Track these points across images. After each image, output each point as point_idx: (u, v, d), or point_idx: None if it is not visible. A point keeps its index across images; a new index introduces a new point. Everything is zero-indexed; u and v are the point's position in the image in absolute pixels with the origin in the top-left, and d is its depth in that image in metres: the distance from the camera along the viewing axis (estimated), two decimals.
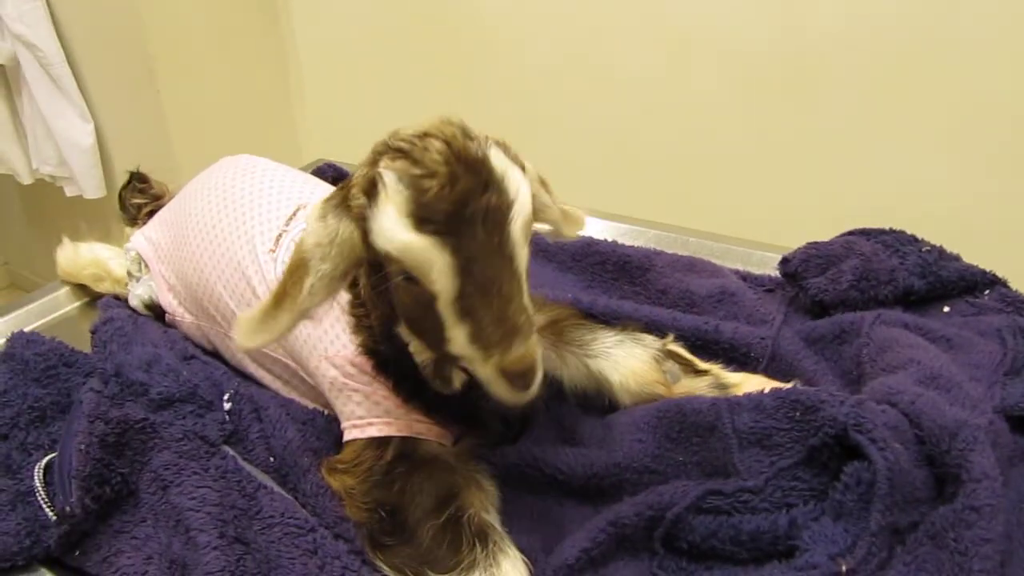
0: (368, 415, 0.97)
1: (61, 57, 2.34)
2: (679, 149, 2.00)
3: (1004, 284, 1.19)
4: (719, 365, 1.08)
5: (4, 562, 0.88)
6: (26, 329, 1.25)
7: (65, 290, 1.38)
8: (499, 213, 0.76)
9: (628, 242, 1.37)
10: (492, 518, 0.89)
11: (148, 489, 0.94)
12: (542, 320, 1.05)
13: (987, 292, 1.19)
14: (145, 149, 2.44)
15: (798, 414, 0.91)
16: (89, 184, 2.44)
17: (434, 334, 0.81)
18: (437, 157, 0.76)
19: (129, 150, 2.46)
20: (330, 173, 1.54)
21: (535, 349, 0.77)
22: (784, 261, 1.24)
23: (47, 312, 1.34)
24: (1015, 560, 0.82)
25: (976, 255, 1.23)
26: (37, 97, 2.37)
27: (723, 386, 1.04)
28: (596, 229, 1.44)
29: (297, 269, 0.83)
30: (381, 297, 0.88)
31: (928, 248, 1.22)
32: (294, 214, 1.11)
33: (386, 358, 0.95)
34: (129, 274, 1.26)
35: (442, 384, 0.91)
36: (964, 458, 0.82)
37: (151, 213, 1.34)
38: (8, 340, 1.11)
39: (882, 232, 1.26)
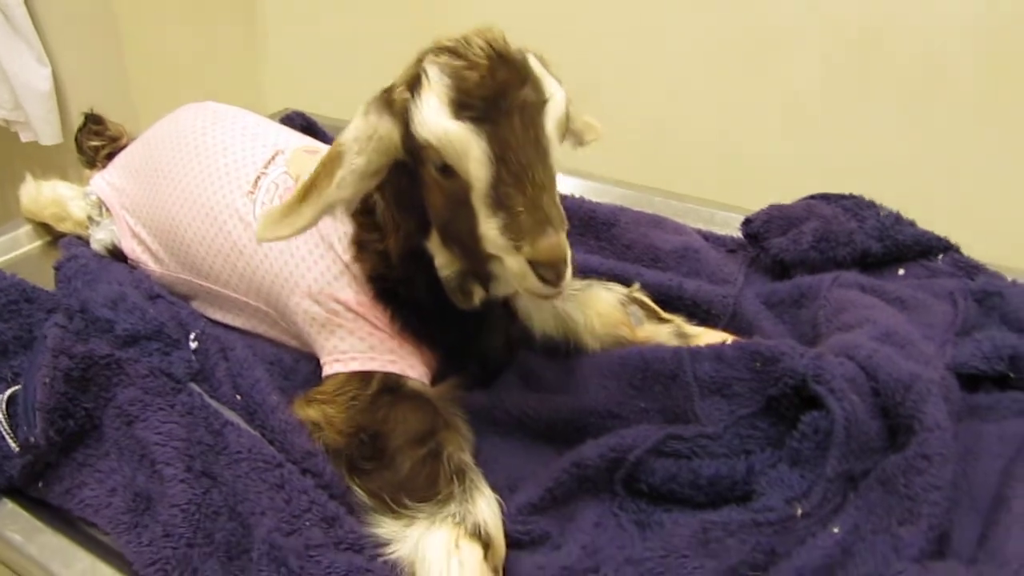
0: (351, 350, 0.98)
1: None
2: (646, 110, 2.01)
3: (956, 250, 1.23)
4: (682, 318, 1.10)
5: None
6: None
7: (26, 228, 1.36)
8: (535, 108, 0.81)
9: (594, 199, 1.38)
10: (468, 459, 0.90)
11: (112, 424, 0.94)
12: None
13: (940, 256, 1.22)
14: (104, 96, 2.38)
15: (758, 364, 0.93)
16: (45, 130, 2.39)
17: (466, 233, 0.83)
18: (479, 52, 0.81)
19: (87, 96, 2.39)
20: (299, 122, 1.53)
21: (566, 241, 0.79)
22: (747, 222, 1.27)
23: (7, 250, 1.32)
24: (960, 508, 0.86)
25: (929, 222, 1.26)
26: None
27: (684, 335, 1.07)
28: (563, 186, 1.45)
29: (330, 162, 0.86)
30: (408, 208, 0.91)
31: (886, 213, 1.25)
32: (272, 158, 1.11)
33: (394, 282, 0.97)
34: (90, 218, 1.24)
35: (463, 299, 0.94)
36: (917, 409, 0.85)
37: (110, 155, 1.32)
38: None
39: (842, 197, 1.29)
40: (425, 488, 0.85)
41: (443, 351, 1.00)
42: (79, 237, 1.27)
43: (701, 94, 1.93)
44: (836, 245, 1.20)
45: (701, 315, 1.14)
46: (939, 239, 1.23)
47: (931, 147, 1.71)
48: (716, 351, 0.96)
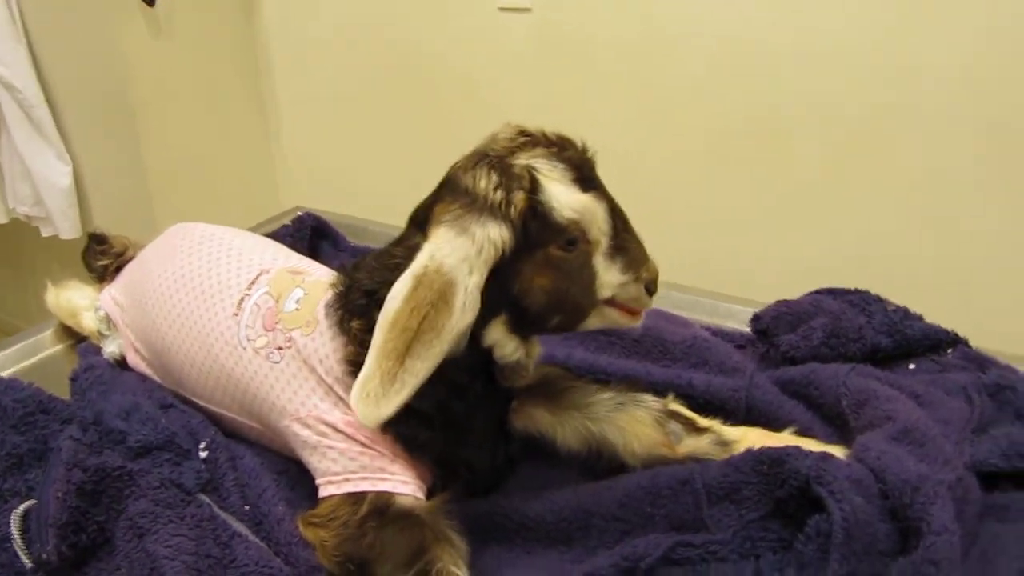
0: (344, 471, 0.98)
1: (41, 99, 2.36)
2: (650, 203, 2.05)
3: (965, 343, 1.22)
4: (719, 420, 1.09)
5: None
6: (10, 371, 1.27)
7: (49, 332, 1.38)
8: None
9: None
10: (461, 571, 0.90)
11: (124, 537, 0.94)
12: (533, 378, 1.05)
13: (950, 351, 1.22)
14: (123, 192, 2.46)
15: (765, 467, 0.93)
16: (64, 225, 2.45)
17: (579, 293, 0.94)
18: (553, 137, 0.95)
19: (106, 192, 2.48)
20: (309, 222, 1.56)
21: None
22: (755, 318, 1.27)
23: (31, 353, 1.34)
24: None
25: (933, 311, 1.26)
26: (15, 137, 2.38)
27: (724, 443, 1.04)
28: None
29: (439, 297, 0.85)
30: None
31: (893, 308, 1.25)
32: (256, 279, 1.13)
33: None
34: (99, 332, 1.27)
35: (519, 376, 1.00)
36: (925, 511, 0.85)
37: (118, 269, 1.34)
38: None
39: (848, 292, 1.29)
40: None
41: (437, 463, 1.00)
42: (92, 344, 1.29)
43: (702, 184, 1.97)
44: (847, 341, 1.19)
45: (715, 412, 1.12)
46: (948, 333, 1.22)
47: (934, 235, 1.73)
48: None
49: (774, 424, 1.09)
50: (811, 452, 0.92)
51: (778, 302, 1.28)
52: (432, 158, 2.25)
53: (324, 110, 2.57)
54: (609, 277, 0.94)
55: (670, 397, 1.10)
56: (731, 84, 1.86)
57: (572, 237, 0.91)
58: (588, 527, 0.95)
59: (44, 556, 0.88)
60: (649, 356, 1.23)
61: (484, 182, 0.89)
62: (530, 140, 0.93)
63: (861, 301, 1.27)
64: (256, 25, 2.58)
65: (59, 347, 1.37)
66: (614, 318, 0.98)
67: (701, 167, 1.96)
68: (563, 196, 0.89)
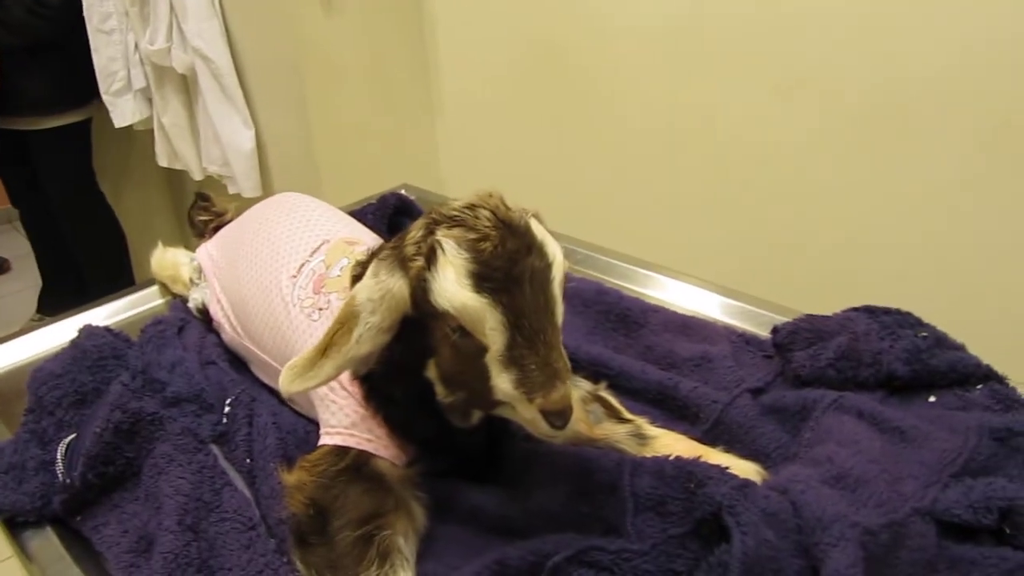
0: (338, 425, 1.09)
1: (231, 68, 2.63)
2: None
3: (1000, 380, 1.15)
4: (646, 420, 1.14)
5: (20, 516, 1.08)
6: (117, 319, 1.49)
7: (156, 287, 1.59)
8: (542, 273, 0.88)
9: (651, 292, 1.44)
10: (405, 543, 0.98)
11: (148, 473, 1.11)
12: None
13: (979, 386, 1.15)
14: (294, 158, 2.70)
15: (692, 485, 0.95)
16: (247, 185, 2.74)
17: (476, 381, 0.91)
18: (487, 223, 0.88)
19: (281, 157, 2.72)
20: (392, 201, 1.67)
21: (571, 391, 0.89)
22: (774, 331, 1.26)
23: (137, 305, 1.56)
24: None
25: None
26: (208, 104, 2.68)
27: (642, 436, 1.11)
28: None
29: (348, 321, 0.95)
30: (406, 345, 0.98)
31: (926, 334, 1.19)
32: (318, 247, 1.26)
33: (373, 376, 1.06)
34: (191, 280, 1.45)
35: (460, 419, 1.02)
36: (826, 554, 0.85)
37: (216, 228, 1.53)
38: (80, 331, 1.31)
39: (886, 312, 1.24)
40: (350, 567, 0.95)
41: (414, 442, 1.08)
42: (183, 300, 1.48)
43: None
44: (858, 365, 1.16)
45: (689, 417, 1.17)
46: (980, 367, 1.15)
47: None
48: (658, 466, 0.98)
49: (733, 445, 1.10)
50: (734, 478, 0.93)
51: (803, 316, 1.26)
52: (571, 148, 2.28)
53: (482, 92, 2.63)
54: (501, 385, 0.88)
55: (601, 384, 1.17)
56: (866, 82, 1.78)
57: (456, 326, 0.88)
58: (528, 525, 1.00)
59: (69, 480, 1.06)
60: (658, 364, 1.26)
61: (411, 235, 0.93)
62: (461, 218, 0.89)
63: (895, 323, 1.22)
64: (423, 4, 2.70)
65: (161, 301, 1.58)
66: (528, 421, 0.90)
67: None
68: (445, 283, 0.86)
